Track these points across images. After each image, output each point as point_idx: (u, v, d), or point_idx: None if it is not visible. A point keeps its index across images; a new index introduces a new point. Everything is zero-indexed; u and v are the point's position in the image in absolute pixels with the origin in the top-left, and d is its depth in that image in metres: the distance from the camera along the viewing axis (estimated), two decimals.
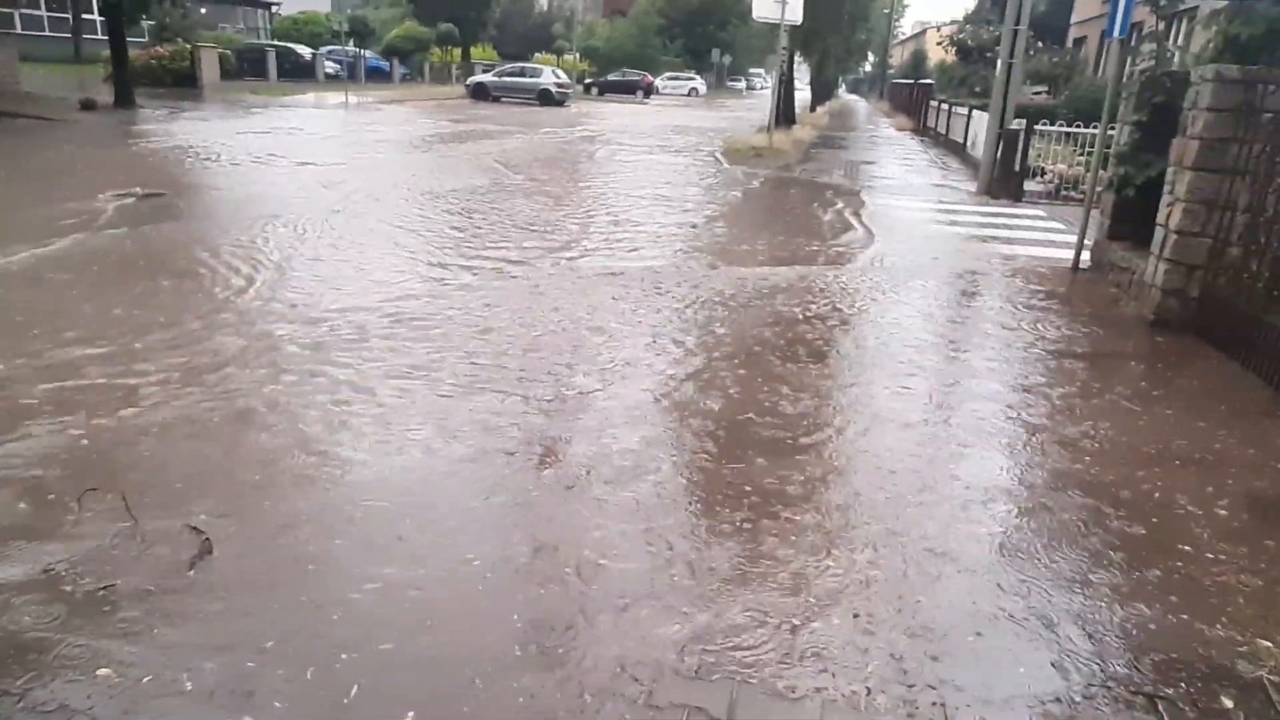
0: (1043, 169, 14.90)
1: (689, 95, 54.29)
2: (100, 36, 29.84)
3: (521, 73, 39.27)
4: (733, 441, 4.41)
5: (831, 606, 3.02)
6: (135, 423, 4.30)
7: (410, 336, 5.84)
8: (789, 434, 4.52)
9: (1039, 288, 8.26)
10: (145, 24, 30.12)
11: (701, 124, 29.90)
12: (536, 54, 53.78)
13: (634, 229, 10.27)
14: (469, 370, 5.24)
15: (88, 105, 20.59)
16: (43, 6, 34.59)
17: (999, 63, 15.18)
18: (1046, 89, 25.26)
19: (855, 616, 2.98)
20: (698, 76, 58.78)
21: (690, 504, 3.78)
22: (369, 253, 8.32)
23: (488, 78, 39.55)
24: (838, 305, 7.25)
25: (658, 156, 19.01)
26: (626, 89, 49.65)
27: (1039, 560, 3.41)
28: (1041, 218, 12.71)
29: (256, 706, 2.46)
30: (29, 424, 4.20)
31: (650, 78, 52.09)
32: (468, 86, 39.41)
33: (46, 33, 35.34)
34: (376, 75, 40.70)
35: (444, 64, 48.42)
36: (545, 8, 64.29)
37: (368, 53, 41.86)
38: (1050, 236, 11.21)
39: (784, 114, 24.45)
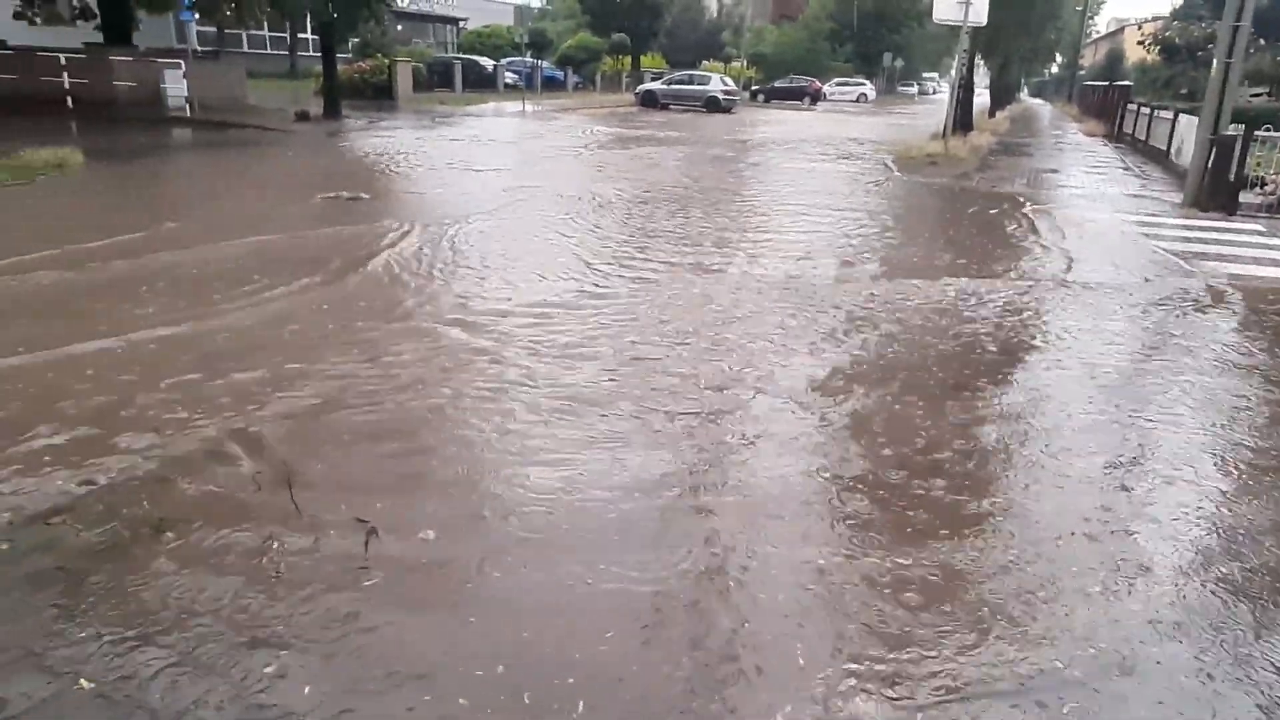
0: (1262, 179, 13.51)
1: (857, 101, 52.99)
2: (313, 54, 32.90)
3: (689, 80, 39.74)
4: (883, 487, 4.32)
5: None
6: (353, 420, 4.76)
7: (573, 336, 6.09)
8: (952, 490, 4.30)
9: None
10: (350, 41, 32.87)
11: (871, 131, 29.15)
12: (704, 61, 54.22)
13: (804, 235, 10.21)
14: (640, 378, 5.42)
15: (302, 116, 22.74)
16: (265, 28, 38.48)
17: (1214, 62, 13.90)
18: (1267, 90, 22.81)
19: None
20: (867, 82, 57.24)
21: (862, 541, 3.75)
22: (543, 252, 8.76)
23: (656, 85, 40.31)
24: (1028, 326, 6.87)
25: (826, 164, 18.74)
26: (793, 95, 49.13)
27: None
28: (1261, 233, 11.53)
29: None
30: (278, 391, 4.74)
31: (818, 83, 51.27)
32: (637, 94, 40.35)
33: (268, 51, 39.36)
34: (551, 84, 42.50)
35: (615, 72, 49.80)
36: (715, 15, 64.67)
37: (544, 63, 43.80)
38: (1276, 255, 10.15)
39: (960, 119, 23.44)
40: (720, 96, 37.88)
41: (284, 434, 4.35)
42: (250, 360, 5.34)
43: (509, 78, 41.51)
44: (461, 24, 53.72)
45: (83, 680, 2.60)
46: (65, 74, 21.87)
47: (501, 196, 12.29)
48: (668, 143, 22.06)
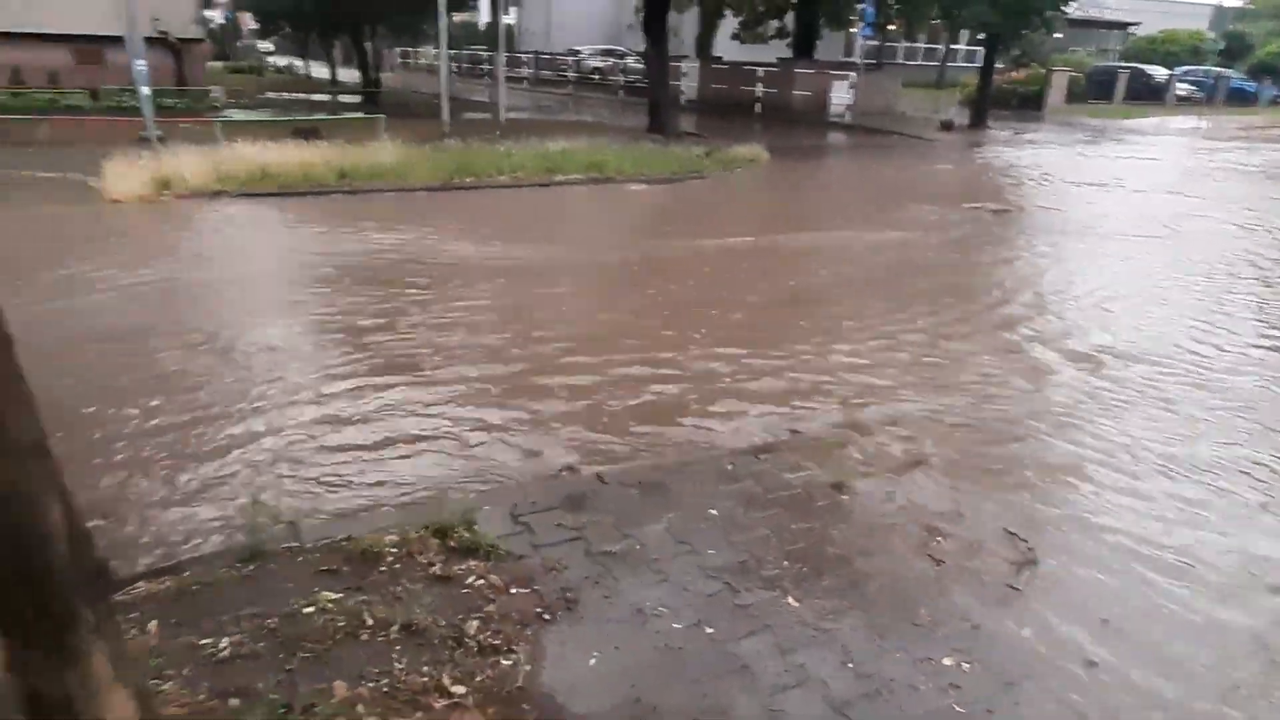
0: None
1: None
2: (961, 64, 33.29)
3: None
4: None
5: None
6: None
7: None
8: None
9: None
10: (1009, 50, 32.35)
11: None
12: None
13: None
14: None
15: (946, 126, 23.32)
16: (922, 39, 40.08)
17: None
18: None
19: None
20: None
21: None
22: (1185, 295, 7.64)
23: None
24: None
25: None
26: None
27: None
28: None
29: None
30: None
31: None
32: None
33: (919, 62, 41.01)
34: (1239, 97, 35.81)
35: None
36: None
37: (1232, 72, 37.05)
38: None
39: None
40: None
41: None
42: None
43: (1182, 89, 36.22)
44: (1131, 29, 48.42)
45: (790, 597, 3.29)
46: (758, 84, 26.09)
47: (1151, 223, 11.00)
48: None
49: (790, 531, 3.60)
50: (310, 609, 2.92)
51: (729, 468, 4.18)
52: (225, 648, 2.73)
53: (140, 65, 13.61)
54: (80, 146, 12.22)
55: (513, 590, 3.12)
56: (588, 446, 4.62)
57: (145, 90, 13.71)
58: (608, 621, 2.98)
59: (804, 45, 25.97)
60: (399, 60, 45.02)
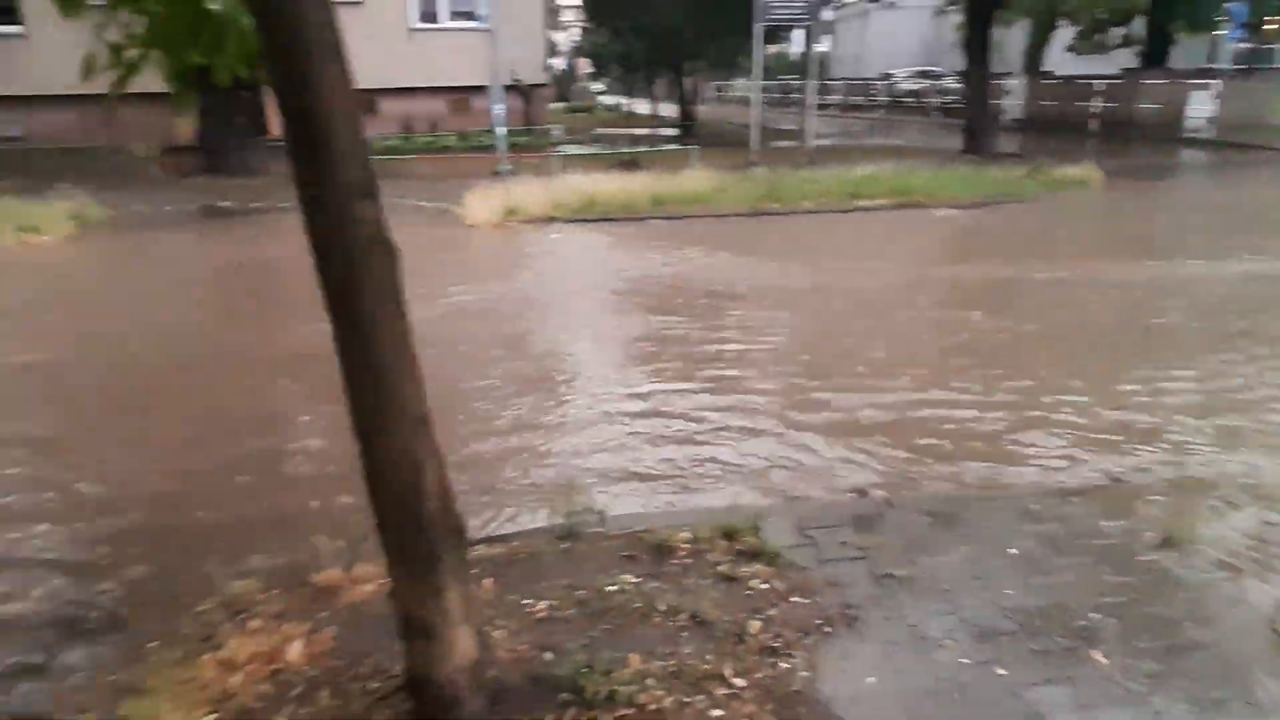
0: None
1: None
2: None
3: None
4: None
5: None
6: None
7: None
8: None
9: None
10: None
11: None
12: None
13: None
14: None
15: None
16: None
17: None
18: None
19: None
20: None
21: None
22: None
23: None
24: None
25: None
26: None
27: None
28: None
29: None
30: None
31: None
32: None
33: None
34: None
35: None
36: None
37: None
38: None
39: None
40: None
41: None
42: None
43: None
44: None
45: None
46: (1095, 99, 23.64)
47: None
48: None
49: (1102, 583, 3.30)
50: (613, 587, 3.26)
51: (1033, 508, 3.92)
52: (542, 609, 3.15)
53: (499, 109, 15.76)
54: (449, 180, 14.41)
55: (794, 599, 3.21)
56: (878, 470, 4.59)
57: (501, 131, 15.84)
58: (889, 643, 2.97)
59: (1156, 53, 23.12)
60: (714, 93, 47.14)
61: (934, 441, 4.93)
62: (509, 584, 3.31)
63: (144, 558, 3.87)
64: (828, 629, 3.04)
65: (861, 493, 4.32)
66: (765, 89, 26.09)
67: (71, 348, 7.17)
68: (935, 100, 30.85)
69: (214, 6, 2.58)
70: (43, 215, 11.69)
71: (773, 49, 39.64)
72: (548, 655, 2.88)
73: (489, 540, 3.72)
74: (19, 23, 19.64)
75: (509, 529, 4.01)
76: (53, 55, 19.04)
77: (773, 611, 3.13)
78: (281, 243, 12.23)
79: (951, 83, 30.51)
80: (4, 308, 8.50)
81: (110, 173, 16.29)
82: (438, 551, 2.42)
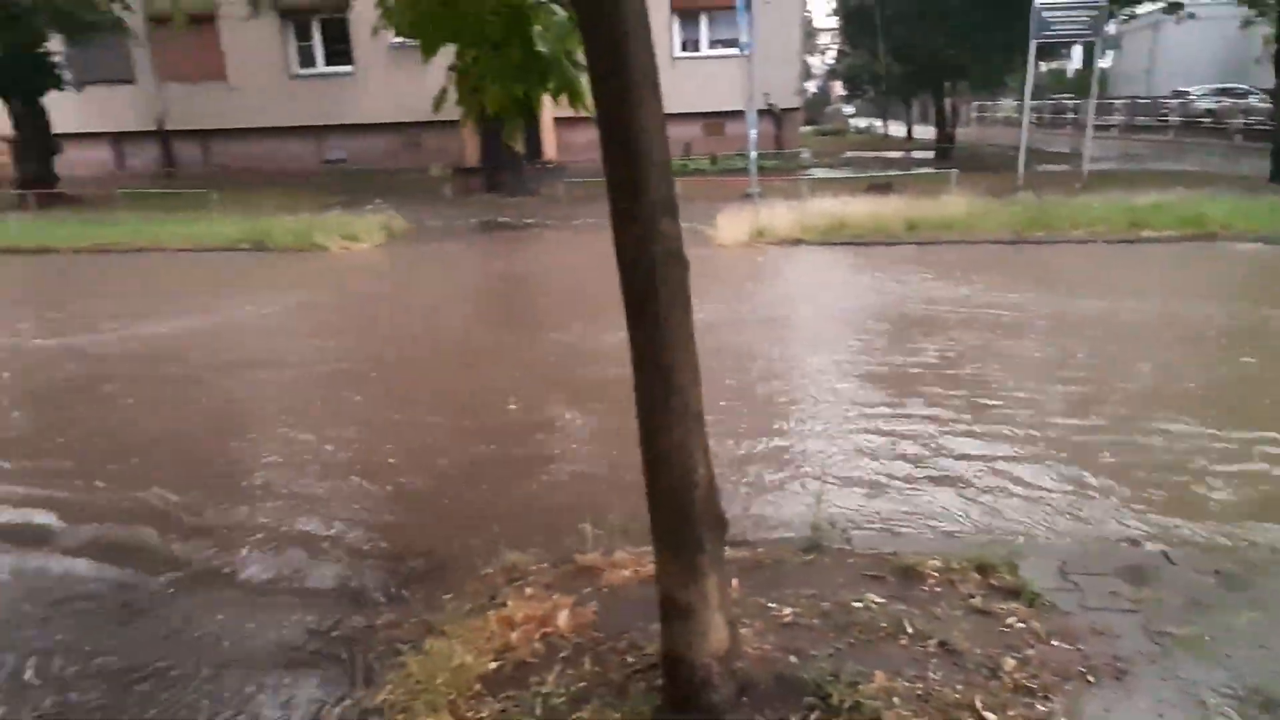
0: None
1: None
2: None
3: None
4: None
5: None
6: None
7: None
8: None
9: None
10: None
11: None
12: None
13: None
14: None
15: None
16: None
17: None
18: None
19: None
20: None
21: None
22: None
23: None
24: None
25: None
26: None
27: None
28: None
29: None
30: None
31: None
32: None
33: None
34: None
35: None
36: None
37: None
38: None
39: None
40: None
41: None
42: None
43: None
44: None
45: None
46: None
47: None
48: None
49: None
50: (858, 604, 3.29)
51: None
52: (787, 614, 3.25)
53: (753, 134, 16.11)
54: (701, 202, 14.94)
55: (1054, 642, 3.06)
56: (1153, 521, 4.22)
57: (753, 154, 16.17)
58: (1161, 701, 2.75)
59: None
60: (975, 114, 44.68)
61: (1225, 496, 4.44)
62: (754, 587, 3.45)
63: (439, 524, 4.46)
64: (1091, 678, 2.87)
65: (1134, 543, 4.00)
66: (1034, 109, 24.27)
67: (380, 339, 8.38)
68: (1238, 121, 27.07)
69: (542, 49, 3.01)
70: (360, 225, 13.68)
71: (1045, 66, 36.88)
72: (792, 658, 2.98)
73: (734, 544, 3.89)
74: (351, 63, 23.06)
75: (752, 536, 4.16)
76: (374, 91, 22.28)
77: (1030, 651, 3.01)
78: (550, 254, 13.40)
79: (1258, 102, 26.71)
80: (333, 300, 10.13)
81: (411, 191, 18.58)
82: (703, 540, 2.62)
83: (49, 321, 9.40)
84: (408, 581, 3.88)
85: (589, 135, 22.27)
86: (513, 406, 6.28)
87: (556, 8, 3.02)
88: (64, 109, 20.46)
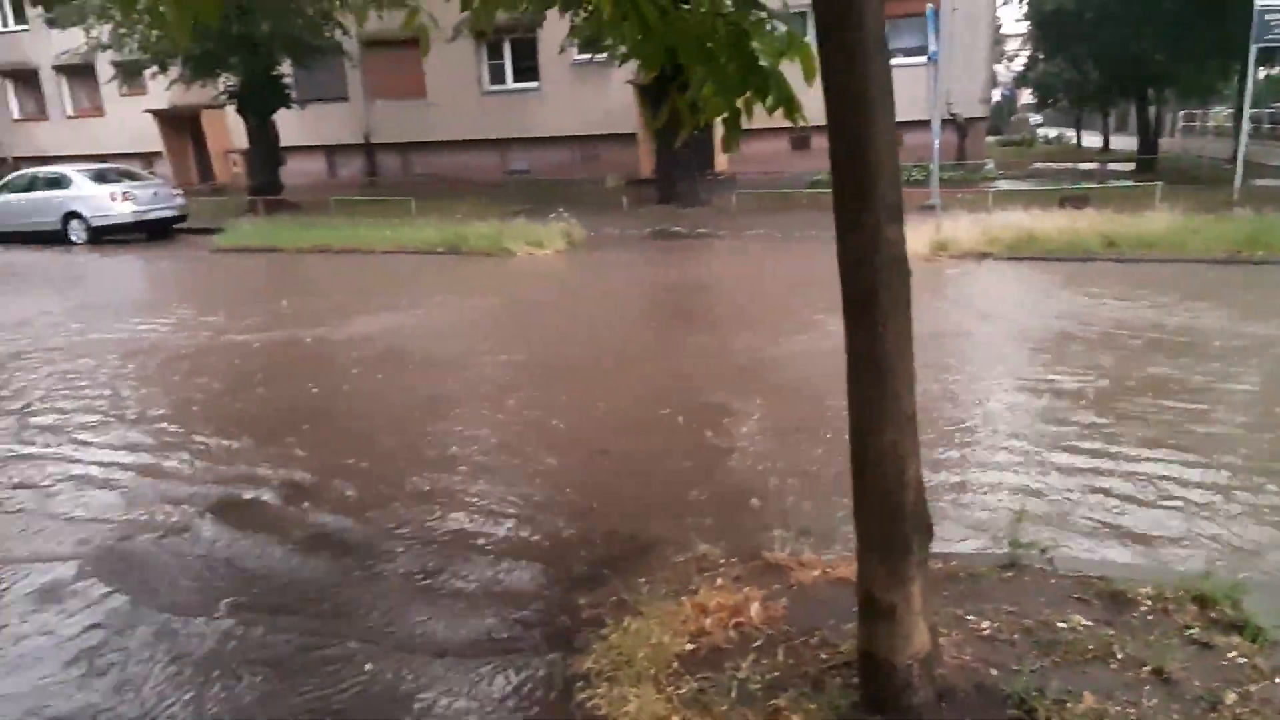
0: None
1: None
2: None
3: None
4: None
5: None
6: None
7: None
8: None
9: None
10: None
11: None
12: None
13: None
14: None
15: None
16: None
17: None
18: None
19: None
20: None
21: None
22: None
23: None
24: None
25: None
26: None
27: None
28: None
29: None
30: None
31: None
32: None
33: None
34: None
35: None
36: None
37: None
38: None
39: None
40: None
41: None
42: None
43: None
44: None
45: None
46: None
47: None
48: None
49: None
50: (1062, 624, 3.20)
51: None
52: (986, 628, 3.22)
53: (937, 144, 15.61)
54: None
55: (1278, 680, 2.87)
56: None
57: (934, 165, 15.67)
58: None
59: None
60: (1181, 124, 40.88)
61: None
62: (951, 598, 3.43)
63: (636, 516, 4.71)
64: None
65: None
66: (1252, 119, 21.78)
67: (576, 337, 8.93)
68: None
69: (764, 63, 3.16)
70: (543, 233, 14.45)
71: (1265, 73, 33.17)
72: (993, 671, 2.95)
73: (930, 555, 3.86)
74: (537, 80, 24.31)
75: (946, 549, 4.10)
76: (558, 106, 23.44)
77: (1253, 688, 2.83)
78: (721, 261, 13.59)
79: None
80: (528, 300, 10.92)
81: (588, 200, 19.34)
82: (910, 541, 2.67)
83: (281, 316, 10.59)
84: (606, 563, 4.12)
85: (758, 148, 22.49)
86: (701, 403, 6.50)
87: (777, 23, 3.15)
88: (288, 124, 22.86)
